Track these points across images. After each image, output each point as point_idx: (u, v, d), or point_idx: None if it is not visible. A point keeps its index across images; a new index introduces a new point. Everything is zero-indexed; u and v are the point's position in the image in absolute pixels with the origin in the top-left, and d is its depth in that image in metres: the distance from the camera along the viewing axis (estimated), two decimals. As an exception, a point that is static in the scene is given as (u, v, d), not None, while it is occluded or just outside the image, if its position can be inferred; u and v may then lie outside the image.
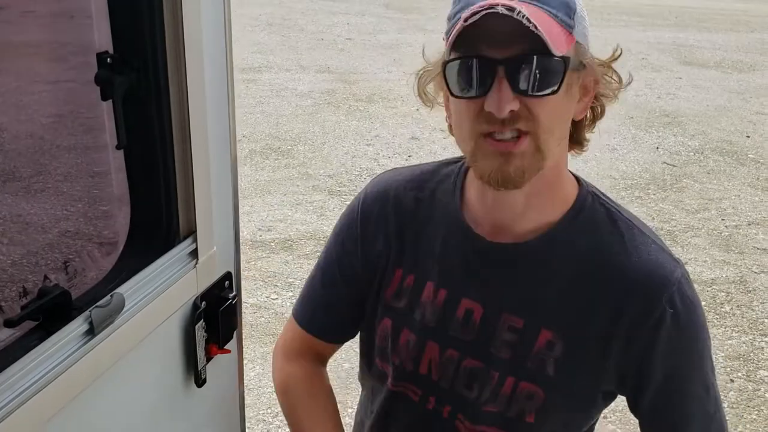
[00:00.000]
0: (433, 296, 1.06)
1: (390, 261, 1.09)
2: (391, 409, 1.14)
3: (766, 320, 3.42)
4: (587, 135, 1.03)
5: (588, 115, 1.00)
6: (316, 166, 5.07)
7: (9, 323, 0.80)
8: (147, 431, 0.98)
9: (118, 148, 0.88)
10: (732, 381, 2.96)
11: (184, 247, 0.96)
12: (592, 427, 1.12)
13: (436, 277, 1.06)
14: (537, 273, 1.00)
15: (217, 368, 1.07)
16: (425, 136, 5.74)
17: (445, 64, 0.91)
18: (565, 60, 0.88)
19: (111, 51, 0.87)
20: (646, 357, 0.97)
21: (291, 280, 3.59)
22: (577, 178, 1.05)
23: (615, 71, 0.98)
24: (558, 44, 0.86)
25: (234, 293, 1.07)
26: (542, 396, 1.00)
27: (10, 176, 1.42)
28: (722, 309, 3.48)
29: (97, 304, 0.85)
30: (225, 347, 1.06)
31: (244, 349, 1.16)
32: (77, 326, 0.83)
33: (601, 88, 0.97)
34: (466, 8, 0.89)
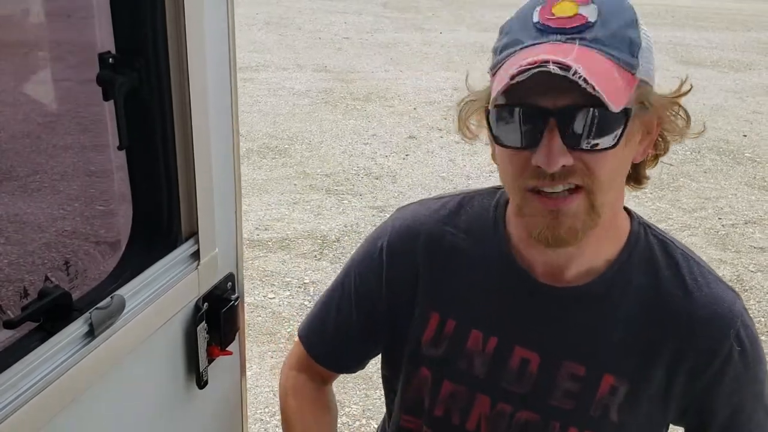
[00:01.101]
0: (482, 345, 0.97)
1: (422, 305, 1.01)
2: None
3: (762, 319, 3.43)
4: (647, 172, 0.94)
5: (649, 153, 0.92)
6: (314, 165, 5.07)
7: (9, 324, 0.80)
8: (148, 433, 0.98)
9: (119, 149, 0.88)
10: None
11: (186, 249, 0.96)
12: None
13: (483, 323, 0.98)
14: (596, 316, 0.93)
15: (219, 370, 1.07)
16: (423, 135, 5.73)
17: (488, 110, 0.83)
18: (626, 112, 0.80)
19: (113, 51, 0.86)
20: (711, 393, 0.93)
21: (288, 279, 3.58)
22: (628, 211, 0.98)
23: (681, 107, 0.89)
24: (618, 98, 0.78)
25: (236, 295, 1.07)
26: None
27: (7, 176, 1.41)
28: (719, 308, 3.49)
29: (97, 306, 0.84)
30: (227, 349, 1.06)
31: (242, 350, 1.16)
32: (77, 328, 0.82)
33: (666, 126, 0.89)
34: (513, 50, 0.81)
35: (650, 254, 0.94)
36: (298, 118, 6.01)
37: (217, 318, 1.02)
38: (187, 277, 0.96)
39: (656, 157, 0.93)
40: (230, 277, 1.06)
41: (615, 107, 0.77)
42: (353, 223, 4.19)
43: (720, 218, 4.47)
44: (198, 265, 0.98)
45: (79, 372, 0.82)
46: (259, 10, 9.94)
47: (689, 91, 0.89)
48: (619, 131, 0.80)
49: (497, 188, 1.01)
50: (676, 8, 11.18)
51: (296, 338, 1.17)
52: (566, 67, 0.75)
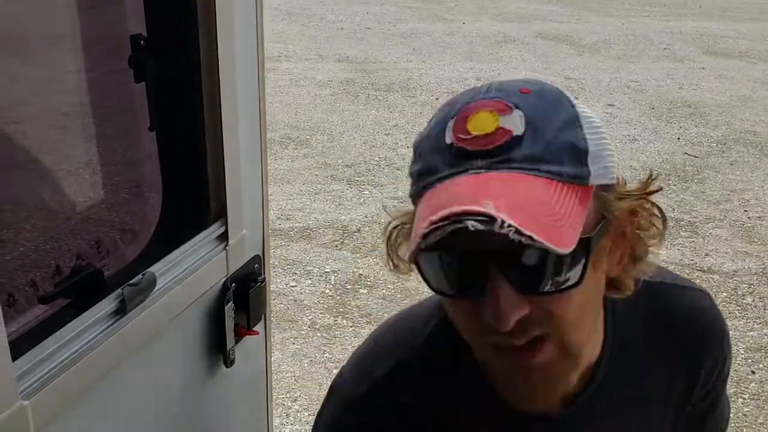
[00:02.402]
0: None
1: None
2: None
3: (788, 313, 3.39)
4: (628, 280, 0.76)
5: (626, 260, 0.74)
6: (335, 155, 5.08)
7: (43, 300, 0.82)
8: (176, 410, 1.00)
9: (150, 130, 0.90)
10: (753, 372, 2.93)
11: (214, 230, 0.98)
12: None
13: None
14: (621, 398, 0.83)
15: (245, 349, 1.09)
16: (444, 125, 5.73)
17: (415, 257, 0.65)
18: (587, 242, 0.63)
19: (144, 34, 0.88)
20: (708, 390, 0.92)
21: (310, 268, 3.61)
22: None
23: (654, 204, 0.73)
24: (569, 233, 0.61)
25: (262, 276, 1.09)
26: None
27: (33, 162, 1.43)
28: (744, 300, 3.44)
29: (129, 282, 0.86)
30: (253, 329, 1.08)
31: (265, 334, 1.18)
32: (109, 304, 0.85)
33: (642, 222, 0.72)
34: (428, 181, 0.65)
35: (629, 308, 0.81)
36: (319, 108, 6.03)
37: (245, 298, 1.03)
38: (215, 258, 0.98)
39: (635, 263, 0.74)
40: (257, 259, 1.08)
41: (567, 248, 0.60)
42: (374, 213, 4.20)
43: (746, 210, 4.41)
44: (226, 246, 0.99)
45: (109, 348, 0.84)
46: (281, 1, 9.96)
47: (659, 190, 0.73)
48: (581, 264, 0.64)
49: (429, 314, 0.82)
50: (703, -2, 11.01)
51: None
52: (490, 219, 0.58)
